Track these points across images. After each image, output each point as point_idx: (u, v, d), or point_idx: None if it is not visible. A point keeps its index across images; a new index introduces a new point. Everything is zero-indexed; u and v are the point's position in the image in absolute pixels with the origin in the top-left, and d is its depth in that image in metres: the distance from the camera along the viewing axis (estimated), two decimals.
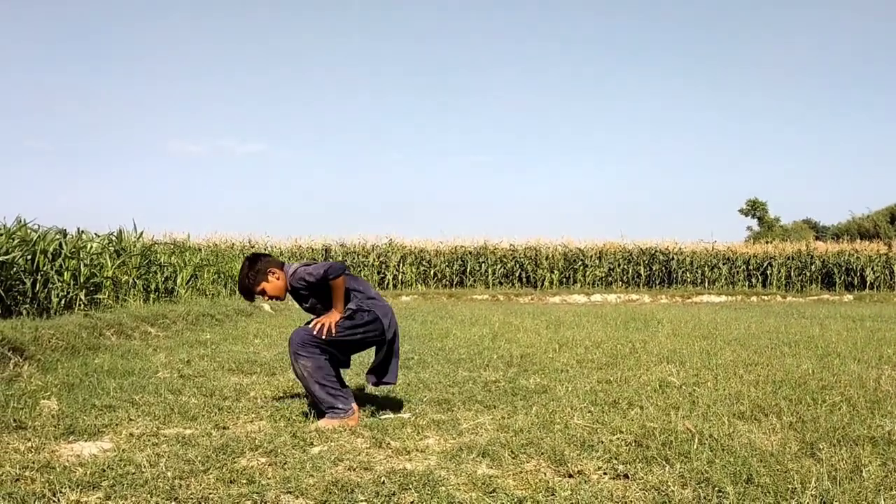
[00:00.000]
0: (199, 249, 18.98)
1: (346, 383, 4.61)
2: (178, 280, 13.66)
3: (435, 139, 61.53)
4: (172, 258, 14.05)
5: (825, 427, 3.93)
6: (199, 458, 3.41)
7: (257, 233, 30.33)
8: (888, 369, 6.20)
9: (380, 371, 4.62)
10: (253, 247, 28.82)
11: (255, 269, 4.46)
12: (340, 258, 27.51)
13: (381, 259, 28.05)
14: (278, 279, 4.46)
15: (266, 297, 4.55)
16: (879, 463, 3.25)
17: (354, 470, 3.32)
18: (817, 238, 37.32)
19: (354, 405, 4.32)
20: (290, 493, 2.98)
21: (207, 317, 11.08)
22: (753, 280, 29.02)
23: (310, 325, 4.36)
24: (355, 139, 59.97)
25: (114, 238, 12.49)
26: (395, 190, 55.31)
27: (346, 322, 4.36)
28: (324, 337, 4.29)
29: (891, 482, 2.98)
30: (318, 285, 4.36)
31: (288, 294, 4.54)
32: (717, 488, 2.92)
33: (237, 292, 16.20)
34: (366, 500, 2.90)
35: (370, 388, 5.15)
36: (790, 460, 3.31)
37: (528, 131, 60.50)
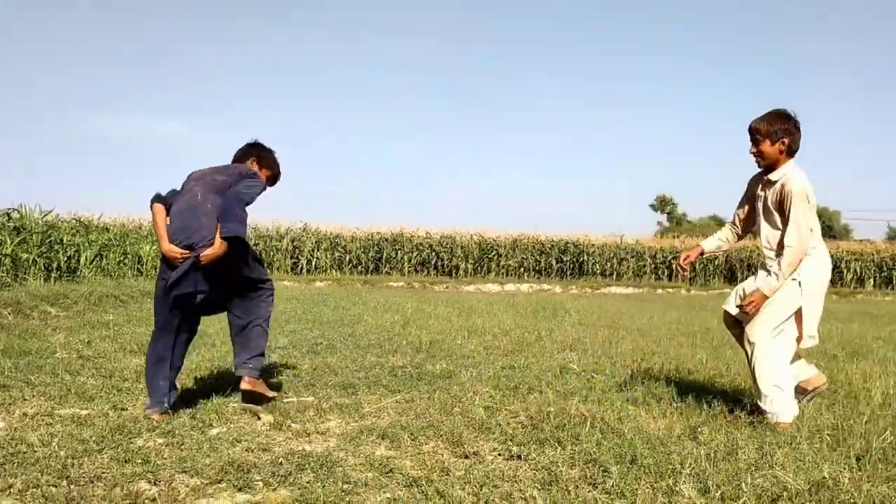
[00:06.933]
0: (107, 229, 18.36)
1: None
2: (82, 260, 13.22)
3: (357, 124, 61.15)
4: (77, 237, 13.58)
5: (709, 412, 4.15)
6: (94, 438, 3.37)
7: None
8: None
9: None
10: None
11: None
12: (252, 242, 26.84)
13: (294, 244, 27.64)
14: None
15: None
16: (756, 446, 3.45)
17: (253, 451, 3.33)
18: None
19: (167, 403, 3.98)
20: (185, 472, 2.98)
21: (111, 298, 10.77)
22: (660, 273, 29.92)
23: None
24: (279, 123, 59.01)
25: (13, 215, 11.99)
26: (313, 175, 54.71)
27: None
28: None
29: (763, 463, 3.18)
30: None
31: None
32: (602, 468, 3.07)
33: (140, 277, 15.77)
34: (262, 479, 2.93)
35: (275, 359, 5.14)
36: (673, 443, 3.50)
37: (447, 123, 60.74)
